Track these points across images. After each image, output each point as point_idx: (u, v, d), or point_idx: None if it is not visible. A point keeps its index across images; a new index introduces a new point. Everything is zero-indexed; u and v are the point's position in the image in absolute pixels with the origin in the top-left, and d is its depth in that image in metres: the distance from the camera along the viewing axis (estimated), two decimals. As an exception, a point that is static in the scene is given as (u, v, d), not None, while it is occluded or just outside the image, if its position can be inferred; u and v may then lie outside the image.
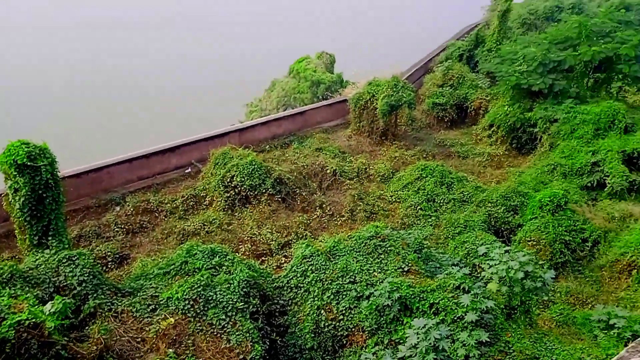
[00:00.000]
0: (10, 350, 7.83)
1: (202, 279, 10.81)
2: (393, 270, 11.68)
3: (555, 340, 10.11)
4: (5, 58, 50.33)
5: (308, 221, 17.11)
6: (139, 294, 10.90)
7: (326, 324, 11.03)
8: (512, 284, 10.50)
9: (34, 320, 8.15)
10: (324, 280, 11.58)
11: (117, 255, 15.09)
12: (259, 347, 10.08)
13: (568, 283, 14.44)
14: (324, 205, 17.95)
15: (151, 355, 9.54)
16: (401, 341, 9.80)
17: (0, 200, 13.08)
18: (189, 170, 19.47)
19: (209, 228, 16.34)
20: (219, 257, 11.87)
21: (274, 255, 15.36)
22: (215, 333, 10.12)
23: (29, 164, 11.08)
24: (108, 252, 15.02)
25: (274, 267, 14.48)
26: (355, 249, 12.26)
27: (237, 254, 13.93)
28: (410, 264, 11.85)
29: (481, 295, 10.15)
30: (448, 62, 28.83)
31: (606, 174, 18.42)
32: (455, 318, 9.84)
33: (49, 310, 8.63)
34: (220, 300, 10.62)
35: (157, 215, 16.99)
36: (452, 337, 9.56)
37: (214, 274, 11.30)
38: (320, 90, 28.08)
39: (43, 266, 10.62)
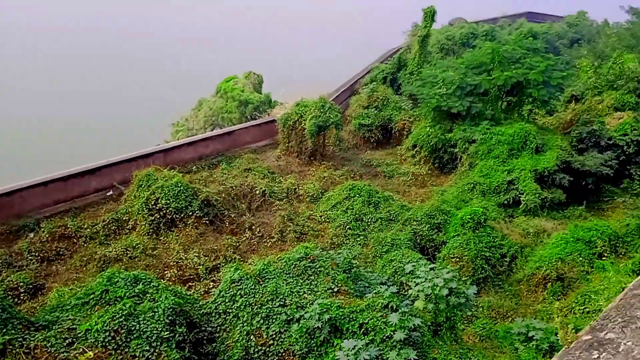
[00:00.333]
0: None
1: (124, 308, 10.27)
2: (323, 291, 11.68)
3: (480, 355, 10.49)
4: None
5: (237, 244, 16.84)
6: (54, 327, 10.17)
7: (256, 350, 10.81)
8: (437, 301, 10.81)
9: None
10: (253, 304, 11.38)
11: (31, 286, 14.02)
12: (186, 378, 9.69)
13: (489, 298, 15.09)
14: (253, 227, 17.74)
15: (68, 394, 8.91)
16: (332, 363, 9.77)
17: None
18: (111, 192, 18.62)
19: (132, 253, 15.64)
20: (142, 284, 11.35)
21: (201, 280, 14.93)
22: (138, 365, 9.63)
23: None
24: (20, 282, 13.91)
25: (202, 293, 14.07)
26: (285, 271, 12.16)
27: (162, 280, 13.42)
28: (339, 284, 11.91)
29: (409, 313, 10.36)
30: (373, 85, 29.68)
31: (521, 191, 19.58)
32: (384, 337, 9.96)
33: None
34: (144, 330, 10.13)
35: (75, 241, 16.06)
36: (382, 357, 9.66)
37: (137, 302, 10.78)
38: (248, 110, 28.00)
39: (-57, 302, 9.69)
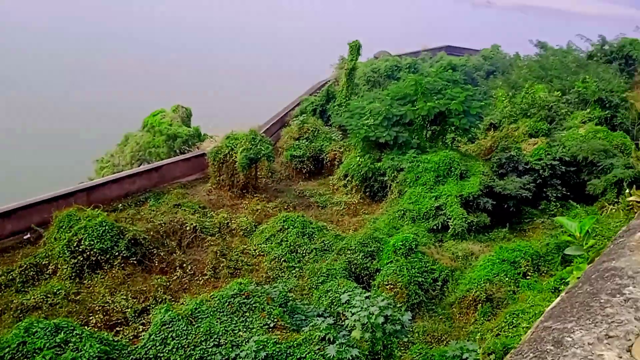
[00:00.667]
0: None
1: (43, 361, 9.55)
2: (259, 327, 11.43)
3: (417, 381, 10.58)
4: None
5: (167, 283, 16.19)
6: (-38, 389, 9.27)
7: (190, 394, 10.34)
8: (374, 330, 10.83)
9: None
10: (186, 346, 10.93)
11: None
12: None
13: (424, 322, 15.35)
14: (184, 265, 17.16)
15: None
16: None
17: None
18: (28, 236, 17.43)
19: (52, 300, 14.63)
20: (64, 332, 10.62)
21: (130, 324, 14.18)
22: (60, 423, 8.91)
23: None
24: None
25: (131, 338, 13.34)
26: (218, 309, 11.81)
27: (86, 327, 12.61)
28: (276, 320, 11.70)
29: (346, 344, 10.32)
30: (303, 116, 30.05)
31: (448, 216, 20.29)
32: (323, 371, 9.85)
33: None
34: (67, 383, 9.45)
35: (-13, 290, 14.83)
36: (321, 392, 9.52)
37: (59, 352, 10.06)
38: (177, 144, 27.42)
39: None
